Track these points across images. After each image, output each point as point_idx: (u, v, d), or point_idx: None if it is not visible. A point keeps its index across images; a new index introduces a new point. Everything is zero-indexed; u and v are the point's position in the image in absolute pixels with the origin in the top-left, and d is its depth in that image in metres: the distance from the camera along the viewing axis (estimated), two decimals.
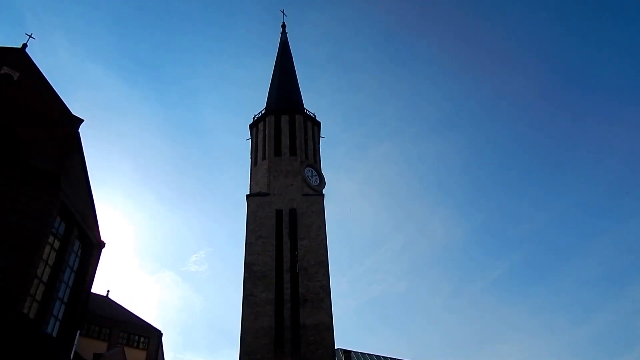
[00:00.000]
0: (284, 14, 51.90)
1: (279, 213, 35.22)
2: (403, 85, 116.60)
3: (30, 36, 24.94)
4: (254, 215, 34.93)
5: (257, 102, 60.27)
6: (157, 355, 40.20)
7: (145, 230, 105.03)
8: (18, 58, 23.71)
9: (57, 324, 21.65)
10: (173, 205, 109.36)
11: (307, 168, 38.15)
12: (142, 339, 39.89)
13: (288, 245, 33.67)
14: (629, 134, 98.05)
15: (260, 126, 40.95)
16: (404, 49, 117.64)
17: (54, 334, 21.34)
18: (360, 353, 35.71)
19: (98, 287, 49.23)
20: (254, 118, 42.32)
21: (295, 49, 52.41)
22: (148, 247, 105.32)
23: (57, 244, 21.69)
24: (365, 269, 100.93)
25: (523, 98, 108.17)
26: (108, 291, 44.92)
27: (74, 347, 22.67)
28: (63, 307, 22.23)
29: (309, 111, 42.55)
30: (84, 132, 23.88)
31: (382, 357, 36.52)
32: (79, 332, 23.53)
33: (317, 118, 42.55)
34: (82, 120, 23.34)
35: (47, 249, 20.72)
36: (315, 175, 38.37)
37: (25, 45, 24.72)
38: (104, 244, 25.66)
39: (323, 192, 37.35)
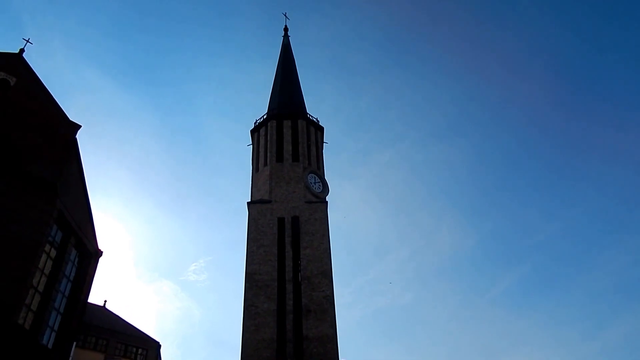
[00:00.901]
0: (286, 17, 52.32)
1: (281, 221, 35.23)
2: (408, 89, 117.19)
3: (27, 41, 25.29)
4: (255, 223, 34.96)
5: (259, 106, 60.65)
6: None
7: (143, 238, 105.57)
8: (15, 63, 24.01)
9: (53, 334, 21.75)
10: (172, 213, 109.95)
11: (310, 174, 38.25)
12: (139, 351, 39.96)
13: (290, 254, 33.66)
14: None
15: (262, 131, 41.08)
16: (408, 53, 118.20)
17: (50, 345, 21.45)
18: None
19: (95, 297, 49.45)
20: (255, 123, 42.49)
21: (298, 53, 54.09)
22: (146, 255, 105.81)
23: (53, 253, 21.75)
24: (369, 279, 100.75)
25: (532, 103, 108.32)
26: (105, 301, 45.11)
27: (70, 358, 22.79)
28: (59, 317, 22.33)
29: (311, 116, 42.74)
30: (81, 138, 24.16)
31: None
32: (75, 343, 23.64)
33: (320, 123, 42.66)
34: (79, 126, 23.57)
35: (44, 257, 20.80)
36: (319, 182, 38.44)
37: (22, 51, 25.04)
38: (101, 252, 25.71)
39: (326, 200, 37.37)
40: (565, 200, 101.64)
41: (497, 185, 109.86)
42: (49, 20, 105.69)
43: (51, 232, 21.30)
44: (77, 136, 23.51)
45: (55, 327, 21.88)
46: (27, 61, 24.71)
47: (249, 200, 37.39)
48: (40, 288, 20.69)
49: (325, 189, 38.24)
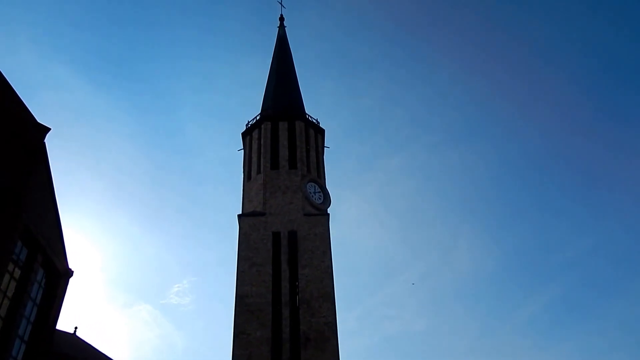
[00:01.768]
0: (282, 5, 52.52)
1: (276, 236, 35.39)
2: (420, 85, 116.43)
3: None
4: (247, 238, 35.07)
5: (251, 106, 61.03)
6: None
7: (119, 257, 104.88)
8: None
9: None
10: (151, 228, 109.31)
11: (310, 183, 38.38)
12: None
13: (287, 274, 33.76)
14: None
15: (255, 134, 41.22)
16: (421, 44, 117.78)
17: None
18: None
19: (64, 323, 49.27)
20: (247, 125, 42.59)
21: (295, 45, 52.85)
22: (122, 276, 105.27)
23: (17, 273, 21.70)
24: (377, 303, 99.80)
25: (562, 102, 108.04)
26: (76, 328, 44.91)
27: None
28: (23, 346, 22.31)
29: (311, 117, 42.75)
30: (49, 143, 24.19)
31: None
32: None
33: (320, 125, 42.65)
34: (48, 129, 23.66)
35: (6, 278, 20.76)
36: (319, 192, 38.61)
37: None
38: (72, 272, 25.72)
39: (328, 212, 37.46)
40: (599, 212, 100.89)
41: (521, 194, 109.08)
42: (13, 12, 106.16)
43: (15, 249, 21.26)
44: (45, 140, 23.63)
45: (20, 357, 21.86)
46: None
47: (240, 212, 37.46)
48: (2, 313, 20.72)
49: (326, 199, 38.37)
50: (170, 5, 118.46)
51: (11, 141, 22.33)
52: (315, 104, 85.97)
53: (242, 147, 42.24)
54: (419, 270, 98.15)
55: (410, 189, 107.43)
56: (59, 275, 24.92)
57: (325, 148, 42.54)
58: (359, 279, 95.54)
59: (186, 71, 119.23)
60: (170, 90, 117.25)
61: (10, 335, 20.91)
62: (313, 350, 30.60)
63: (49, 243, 23.78)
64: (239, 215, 36.57)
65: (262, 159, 39.15)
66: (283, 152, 39.34)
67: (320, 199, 38.17)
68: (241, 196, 39.19)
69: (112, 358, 42.56)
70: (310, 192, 37.78)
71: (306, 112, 43.61)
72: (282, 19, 51.49)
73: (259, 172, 38.81)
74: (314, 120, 42.61)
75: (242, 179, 40.37)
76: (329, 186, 39.91)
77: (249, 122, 42.59)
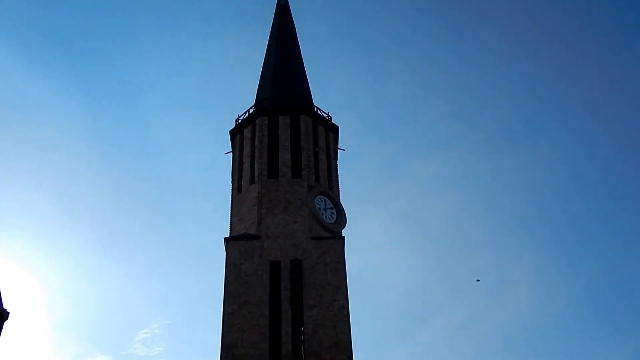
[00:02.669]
0: None
1: (275, 266, 33.69)
2: (464, 69, 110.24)
3: None
4: (237, 269, 33.42)
5: (242, 95, 57.03)
6: None
7: (69, 294, 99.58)
8: None
9: None
10: (110, 255, 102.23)
11: (319, 196, 36.61)
12: None
13: (289, 317, 32.17)
14: None
15: (247, 132, 39.63)
16: (466, 17, 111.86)
17: None
18: None
19: None
20: (236, 120, 41.08)
21: (300, 16, 51.67)
22: (73, 319, 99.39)
23: None
24: (407, 355, 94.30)
25: None
26: None
27: None
28: None
29: (320, 110, 41.18)
30: None
31: None
32: None
33: (332, 120, 41.18)
34: None
35: None
36: (331, 208, 36.89)
37: None
38: (7, 314, 23.67)
39: (343, 234, 36.03)
40: None
41: (598, 213, 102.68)
42: None
43: None
44: None
45: None
46: None
47: (227, 235, 35.97)
48: None
49: (340, 217, 36.73)
50: None
51: None
52: (325, 93, 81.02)
53: (231, 149, 40.80)
54: (462, 312, 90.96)
55: (451, 204, 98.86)
56: None
57: (339, 150, 41.00)
58: (384, 324, 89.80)
59: (154, 48, 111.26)
60: (136, 74, 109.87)
61: None
62: None
63: None
64: (225, 239, 35.01)
65: (256, 165, 37.52)
66: (284, 155, 37.67)
67: (332, 217, 36.55)
68: (229, 213, 37.65)
69: None
70: (319, 208, 36.05)
71: (314, 103, 42.08)
72: None
73: (252, 182, 37.14)
74: (325, 114, 40.96)
75: (231, 191, 38.82)
76: (344, 200, 38.26)
77: (239, 116, 40.94)
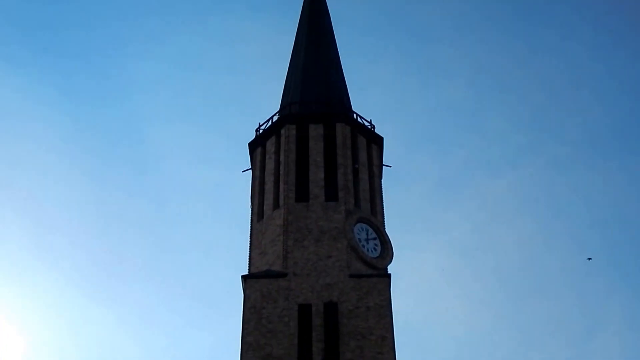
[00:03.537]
0: None
1: (304, 311, 32.61)
2: (538, 66, 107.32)
3: None
4: (258, 314, 32.36)
5: (264, 99, 55.06)
6: None
7: (52, 344, 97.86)
8: None
9: None
10: (100, 298, 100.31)
11: (359, 224, 35.51)
12: None
13: None
14: None
15: (270, 145, 38.91)
16: (537, 3, 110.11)
17: None
18: None
19: None
20: (257, 130, 40.46)
21: (335, 4, 50.29)
22: None
23: None
24: None
25: None
26: None
27: None
28: None
29: (361, 117, 40.25)
30: None
31: None
32: None
33: (376, 130, 40.38)
34: None
35: None
36: (374, 239, 35.83)
37: None
38: None
39: (389, 271, 34.94)
40: None
41: None
42: None
43: None
44: None
45: None
46: None
47: (246, 272, 34.98)
48: None
49: (386, 251, 35.55)
50: None
51: None
52: (366, 96, 79.18)
53: (250, 166, 40.03)
54: None
55: (525, 233, 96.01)
56: None
57: (384, 167, 40.17)
58: None
59: (149, 39, 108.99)
60: (124, 68, 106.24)
61: None
62: None
63: None
64: (243, 277, 33.99)
65: (281, 185, 36.60)
66: (316, 173, 36.64)
67: (376, 249, 35.39)
68: (247, 246, 36.77)
69: None
70: (359, 239, 34.89)
71: (353, 108, 41.24)
72: None
73: (276, 206, 36.16)
74: (366, 122, 40.01)
75: (250, 218, 37.98)
76: (390, 229, 37.04)
77: (260, 124, 40.25)
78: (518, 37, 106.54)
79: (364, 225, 35.67)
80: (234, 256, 72.35)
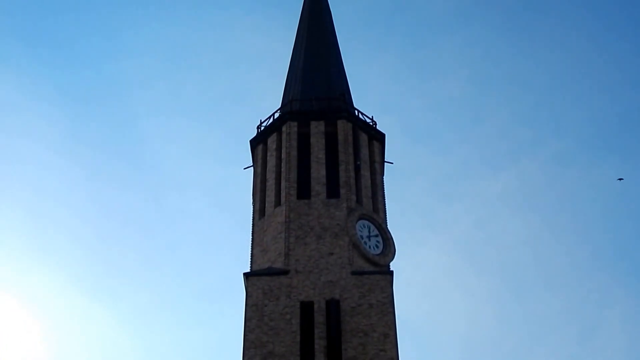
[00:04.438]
0: None
1: (306, 308, 32.62)
2: (537, 64, 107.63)
3: None
4: (260, 312, 32.42)
5: (265, 95, 55.28)
6: None
7: (49, 343, 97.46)
8: None
9: None
10: (99, 297, 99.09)
11: (361, 221, 35.57)
12: None
13: None
14: None
15: (272, 142, 39.04)
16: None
17: None
18: None
19: None
20: (258, 127, 40.54)
21: (337, 3, 51.19)
22: None
23: None
24: None
25: None
26: None
27: None
28: None
29: (362, 113, 40.40)
30: None
31: None
32: None
33: (377, 126, 40.40)
34: None
35: None
36: (376, 235, 35.81)
37: None
38: None
39: (391, 268, 35.01)
40: None
41: None
42: None
43: None
44: None
45: None
46: None
47: (247, 269, 35.07)
48: None
49: (388, 247, 35.57)
50: None
51: None
52: (368, 93, 79.34)
53: (251, 165, 40.20)
54: None
55: (527, 229, 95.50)
56: None
57: (385, 164, 40.23)
58: None
59: (147, 35, 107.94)
60: (121, 65, 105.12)
61: None
62: None
63: None
64: (245, 275, 34.01)
65: (283, 183, 36.70)
66: (317, 170, 36.71)
67: (377, 246, 35.38)
68: (249, 243, 36.82)
69: None
70: (361, 236, 34.95)
71: (354, 105, 41.24)
72: None
73: (278, 203, 36.27)
74: (368, 119, 40.11)
75: (251, 215, 38.04)
76: (392, 226, 37.07)
77: (261, 121, 40.32)
78: (521, 30, 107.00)
79: (366, 222, 35.77)
80: (235, 254, 72.93)
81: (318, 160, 37.13)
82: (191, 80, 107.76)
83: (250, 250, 36.47)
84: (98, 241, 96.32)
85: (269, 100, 72.27)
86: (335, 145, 37.85)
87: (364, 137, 38.95)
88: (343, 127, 38.32)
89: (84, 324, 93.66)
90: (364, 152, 38.51)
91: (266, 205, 37.09)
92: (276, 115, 40.06)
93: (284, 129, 38.49)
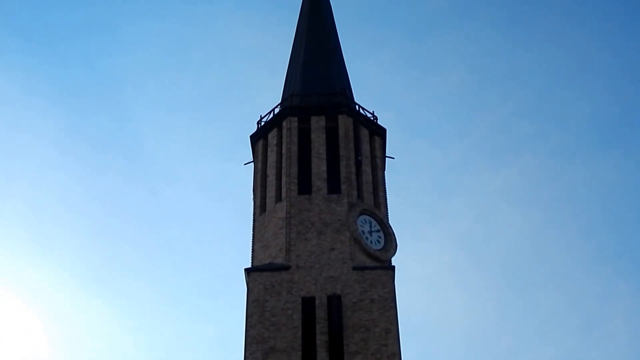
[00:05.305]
0: None
1: (308, 304, 32.66)
2: (539, 56, 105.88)
3: None
4: (261, 308, 32.47)
5: (265, 90, 55.15)
6: None
7: (49, 341, 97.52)
8: None
9: None
10: (99, 293, 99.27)
11: (363, 217, 35.64)
12: None
13: None
14: None
15: (272, 138, 39.10)
16: None
17: None
18: None
19: None
20: (258, 123, 40.60)
21: None
22: None
23: None
24: None
25: None
26: None
27: None
28: None
29: (363, 108, 40.37)
30: None
31: None
32: None
33: (379, 121, 40.38)
34: None
35: None
36: (378, 231, 35.90)
37: None
38: None
39: (393, 263, 34.97)
40: None
41: None
42: None
43: None
44: None
45: None
46: None
47: (248, 265, 35.02)
48: None
49: (389, 243, 35.63)
50: None
51: None
52: (369, 88, 78.91)
53: (252, 159, 40.14)
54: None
55: (530, 223, 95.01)
56: None
57: (387, 159, 40.26)
58: None
59: (150, 30, 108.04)
60: (116, 61, 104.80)
61: None
62: None
63: None
64: (246, 270, 34.00)
65: (284, 178, 36.76)
66: (318, 165, 36.84)
67: (379, 242, 35.46)
68: (250, 239, 36.87)
69: None
70: (363, 231, 35.01)
71: (355, 100, 41.26)
72: None
73: (279, 199, 36.34)
74: (369, 114, 40.11)
75: (252, 211, 38.11)
76: (393, 221, 37.11)
77: (262, 117, 40.39)
78: (522, 24, 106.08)
79: (367, 217, 35.88)
80: (236, 249, 72.62)
81: (319, 156, 37.31)
82: (191, 75, 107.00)
83: (251, 245, 36.57)
84: (99, 237, 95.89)
85: (269, 95, 72.51)
86: (336, 140, 37.98)
87: (364, 132, 39.10)
88: (344, 122, 38.45)
89: (84, 320, 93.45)
90: (365, 147, 38.67)
91: (267, 200, 37.21)
92: (276, 110, 40.12)
93: (284, 124, 38.61)
